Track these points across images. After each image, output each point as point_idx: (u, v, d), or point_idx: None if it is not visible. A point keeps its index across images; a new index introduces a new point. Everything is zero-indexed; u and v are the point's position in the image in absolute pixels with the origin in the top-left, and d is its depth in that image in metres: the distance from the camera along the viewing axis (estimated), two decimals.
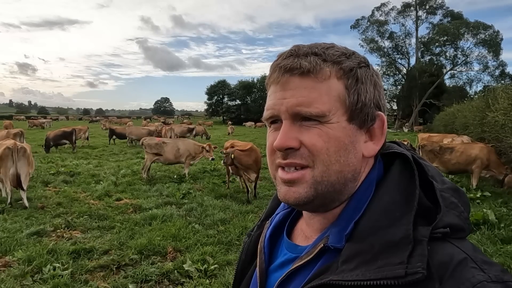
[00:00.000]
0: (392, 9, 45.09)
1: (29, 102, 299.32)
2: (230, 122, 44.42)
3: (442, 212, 0.51)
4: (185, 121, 44.46)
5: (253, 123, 42.62)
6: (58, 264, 3.56)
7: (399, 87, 47.04)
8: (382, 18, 45.30)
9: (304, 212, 0.65)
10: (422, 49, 45.11)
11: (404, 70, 46.33)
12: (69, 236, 4.55)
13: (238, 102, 62.39)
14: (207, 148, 8.61)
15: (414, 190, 0.53)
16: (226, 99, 64.55)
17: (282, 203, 0.73)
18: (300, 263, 0.57)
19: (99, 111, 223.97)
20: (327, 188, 0.55)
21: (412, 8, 44.43)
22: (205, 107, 69.11)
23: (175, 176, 8.59)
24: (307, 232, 0.64)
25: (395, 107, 49.93)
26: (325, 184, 0.55)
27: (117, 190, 7.09)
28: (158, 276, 3.50)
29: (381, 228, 0.51)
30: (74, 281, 3.32)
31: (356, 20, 46.81)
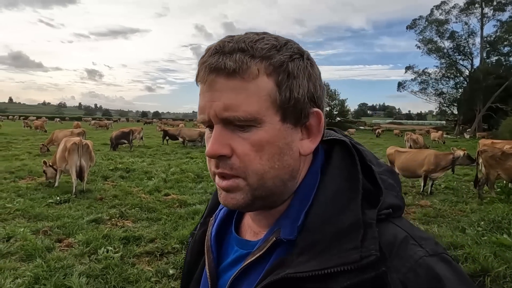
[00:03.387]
0: (453, 7, 42.23)
1: (95, 105, 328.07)
2: None
3: (384, 194, 0.53)
4: None
5: None
6: (111, 248, 3.99)
7: (460, 90, 43.79)
8: (442, 17, 42.61)
9: None
10: (488, 49, 41.60)
11: (467, 72, 43.03)
12: (121, 225, 5.04)
13: None
14: None
15: (357, 175, 0.54)
16: None
17: None
18: (252, 259, 0.55)
19: (156, 114, 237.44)
20: (264, 193, 0.53)
21: (477, 5, 41.14)
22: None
23: None
24: (254, 228, 0.62)
25: (455, 111, 46.54)
26: (262, 189, 0.53)
27: (166, 186, 7.61)
28: None
29: (331, 216, 0.51)
30: (123, 263, 3.70)
31: (412, 20, 44.66)
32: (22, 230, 4.48)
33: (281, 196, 0.56)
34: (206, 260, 0.64)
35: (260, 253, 0.54)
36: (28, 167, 9.37)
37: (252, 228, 0.63)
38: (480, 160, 7.75)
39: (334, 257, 0.47)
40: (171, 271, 3.55)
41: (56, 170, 7.23)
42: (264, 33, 0.54)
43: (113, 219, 5.25)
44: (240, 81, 0.50)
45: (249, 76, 0.50)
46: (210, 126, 0.54)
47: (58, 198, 6.22)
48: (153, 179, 8.38)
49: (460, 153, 7.55)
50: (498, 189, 7.51)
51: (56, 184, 7.25)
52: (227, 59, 0.50)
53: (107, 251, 3.90)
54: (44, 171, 7.34)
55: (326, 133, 0.61)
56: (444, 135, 27.09)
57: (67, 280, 3.21)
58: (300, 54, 0.54)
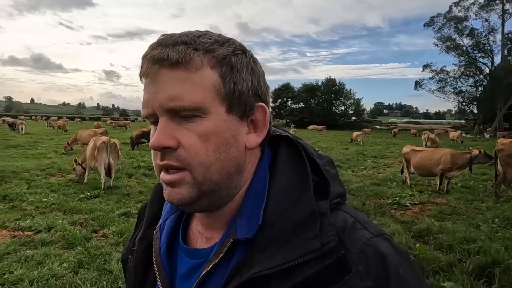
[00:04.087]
0: (473, 3, 41.31)
1: (113, 105, 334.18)
2: (293, 125, 44.71)
3: (331, 185, 0.56)
4: None
5: (316, 126, 42.39)
6: None
7: (480, 88, 42.84)
8: (461, 14, 41.80)
9: (202, 213, 0.60)
10: (509, 46, 40.52)
11: (487, 70, 42.06)
12: None
13: (301, 105, 62.46)
14: None
15: (306, 169, 0.55)
16: (289, 102, 65.02)
17: (168, 207, 0.66)
18: (210, 266, 0.53)
19: None
20: (211, 187, 0.53)
21: (497, 1, 40.16)
22: (269, 110, 70.39)
23: None
24: (205, 233, 0.60)
25: (475, 110, 45.55)
26: (208, 183, 0.52)
27: None
28: None
29: (287, 210, 0.52)
30: None
31: (430, 17, 43.99)
32: (60, 221, 4.88)
33: (227, 191, 0.55)
34: (158, 277, 0.59)
35: (218, 258, 0.52)
36: (57, 164, 9.90)
37: (204, 234, 0.60)
38: (498, 159, 7.78)
39: (296, 248, 0.48)
40: None
41: (84, 168, 7.69)
42: (207, 31, 0.55)
43: None
44: (183, 71, 0.50)
45: (192, 67, 0.50)
46: (155, 121, 0.53)
47: (88, 193, 6.64)
48: None
49: (476, 152, 7.60)
50: None
51: (85, 180, 7.70)
52: (170, 50, 0.50)
53: None
54: (74, 169, 7.81)
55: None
56: (463, 135, 26.63)
57: (107, 265, 3.56)
58: (242, 51, 0.55)
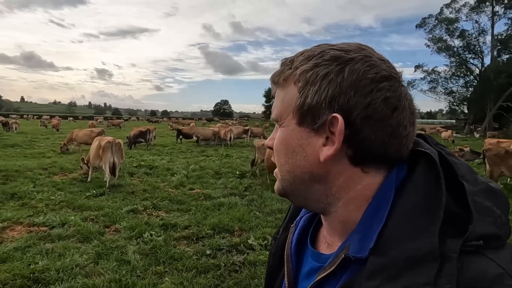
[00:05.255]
0: (464, 5, 41.93)
1: (105, 104, 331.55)
2: None
3: (474, 221, 0.46)
4: (229, 122, 46.68)
5: None
6: (153, 232, 4.61)
7: (470, 89, 43.65)
8: (452, 16, 42.43)
9: (321, 216, 0.63)
10: (499, 47, 41.30)
11: (477, 71, 42.84)
12: (156, 215, 5.66)
13: None
14: None
15: (441, 196, 0.47)
16: None
17: None
18: (323, 275, 0.54)
19: (164, 113, 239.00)
20: (288, 185, 0.59)
21: (487, 3, 40.92)
22: (263, 109, 71.03)
23: (238, 172, 9.55)
24: (328, 238, 0.62)
25: (466, 110, 46.43)
26: (286, 181, 0.59)
27: (189, 182, 8.23)
28: (228, 247, 4.35)
29: (404, 240, 0.46)
30: (166, 244, 4.31)
31: (422, 18, 44.52)
32: (73, 218, 5.13)
33: (311, 197, 0.58)
34: (286, 268, 0.65)
35: (331, 269, 0.53)
36: (59, 164, 10.07)
37: (326, 239, 0.62)
38: (485, 159, 8.19)
39: None
40: (208, 251, 4.15)
41: (89, 167, 7.90)
42: (324, 46, 0.57)
43: (148, 210, 5.88)
44: (279, 89, 0.59)
45: (283, 84, 0.58)
46: None
47: (94, 191, 6.87)
48: (175, 175, 9.00)
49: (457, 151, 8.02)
50: (501, 186, 7.94)
51: (89, 179, 7.92)
52: (275, 72, 0.61)
53: (151, 235, 4.52)
54: (81, 167, 8.03)
55: (414, 143, 0.56)
56: (454, 134, 27.24)
57: (124, 256, 3.83)
58: (332, 61, 0.53)
